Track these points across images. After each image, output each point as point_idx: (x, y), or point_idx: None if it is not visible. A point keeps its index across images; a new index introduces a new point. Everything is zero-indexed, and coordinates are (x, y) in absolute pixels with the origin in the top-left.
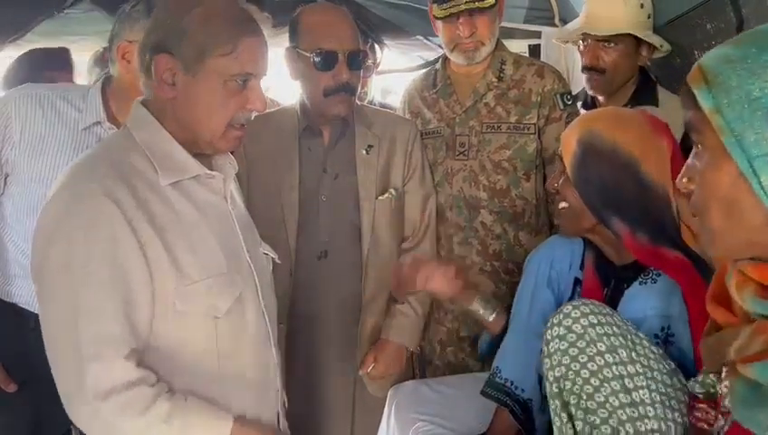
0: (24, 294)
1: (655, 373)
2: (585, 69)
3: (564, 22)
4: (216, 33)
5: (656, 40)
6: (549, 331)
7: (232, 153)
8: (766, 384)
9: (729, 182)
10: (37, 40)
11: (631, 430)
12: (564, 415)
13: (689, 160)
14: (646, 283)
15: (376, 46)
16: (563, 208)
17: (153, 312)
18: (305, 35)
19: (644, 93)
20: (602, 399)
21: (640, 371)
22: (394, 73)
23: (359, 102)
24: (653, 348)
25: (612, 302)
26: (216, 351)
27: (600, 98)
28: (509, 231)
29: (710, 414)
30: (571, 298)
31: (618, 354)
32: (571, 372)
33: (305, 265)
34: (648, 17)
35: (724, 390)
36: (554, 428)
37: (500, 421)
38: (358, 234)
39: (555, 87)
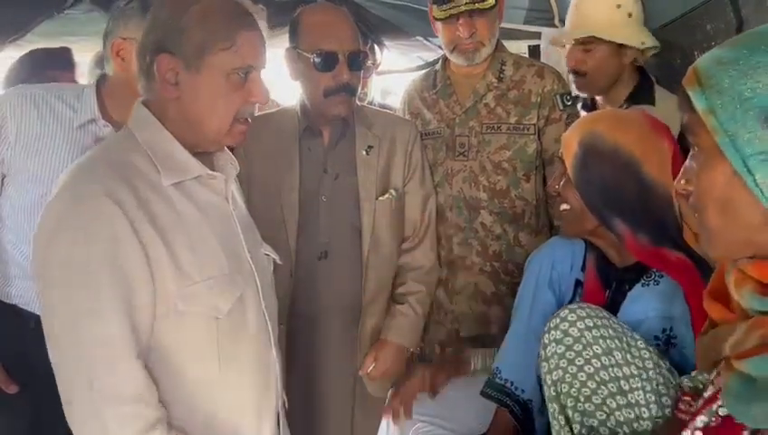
0: (24, 295)
1: (650, 373)
2: (569, 72)
3: (564, 23)
4: (215, 28)
5: (634, 40)
6: (546, 335)
7: (232, 152)
8: (761, 379)
9: (724, 181)
10: (37, 40)
11: (628, 431)
12: (562, 418)
13: (686, 162)
14: (648, 284)
15: (376, 47)
16: (565, 210)
17: (154, 312)
18: (305, 36)
19: (641, 93)
20: (599, 401)
21: (635, 372)
22: (394, 74)
23: (359, 103)
24: (649, 349)
25: (614, 304)
26: (216, 351)
27: (598, 98)
28: (509, 232)
29: (692, 407)
30: (573, 300)
31: (613, 357)
32: (568, 375)
33: (305, 266)
34: (630, 16)
35: (718, 386)
36: (553, 431)
37: (500, 422)
38: (358, 234)
39: (555, 88)
